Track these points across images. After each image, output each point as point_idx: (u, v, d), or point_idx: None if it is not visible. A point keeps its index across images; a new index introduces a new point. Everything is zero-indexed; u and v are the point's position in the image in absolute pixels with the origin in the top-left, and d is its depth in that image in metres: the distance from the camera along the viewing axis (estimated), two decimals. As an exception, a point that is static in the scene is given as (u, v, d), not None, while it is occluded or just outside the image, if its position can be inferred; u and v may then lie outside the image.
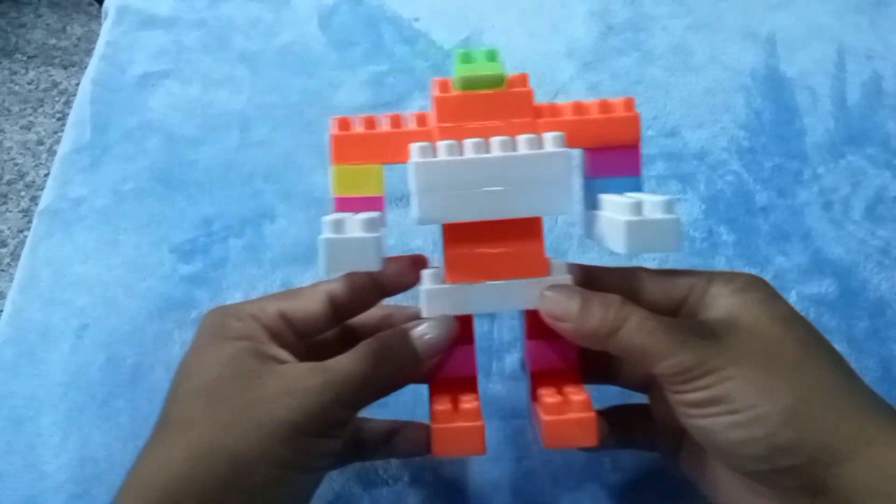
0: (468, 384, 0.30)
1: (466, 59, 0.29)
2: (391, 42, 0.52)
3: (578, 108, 0.29)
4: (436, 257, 0.31)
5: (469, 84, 0.28)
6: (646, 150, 0.47)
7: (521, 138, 0.28)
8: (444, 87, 0.29)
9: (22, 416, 0.38)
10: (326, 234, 0.27)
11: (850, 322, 0.40)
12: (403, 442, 0.32)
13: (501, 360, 0.39)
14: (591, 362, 0.31)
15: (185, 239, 0.44)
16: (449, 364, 0.30)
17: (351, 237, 0.26)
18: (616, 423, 0.31)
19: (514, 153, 0.27)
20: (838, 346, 0.39)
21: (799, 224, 0.43)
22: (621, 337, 0.26)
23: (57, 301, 0.42)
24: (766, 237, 0.43)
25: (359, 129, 0.29)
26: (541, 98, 0.29)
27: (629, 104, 0.29)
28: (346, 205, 0.29)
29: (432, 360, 0.29)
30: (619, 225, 0.26)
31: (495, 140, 0.28)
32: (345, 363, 0.27)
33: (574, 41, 0.52)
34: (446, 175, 0.27)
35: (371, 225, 0.27)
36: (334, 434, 0.27)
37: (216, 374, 0.27)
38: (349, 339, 0.32)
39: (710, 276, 0.28)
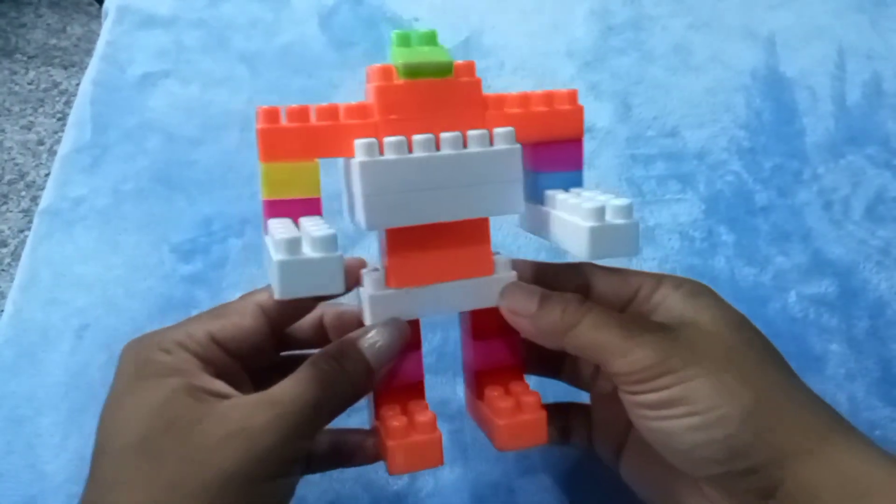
0: (414, 391, 0.29)
1: (405, 41, 0.26)
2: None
3: (524, 99, 0.27)
4: (371, 256, 0.29)
5: (415, 71, 0.26)
6: (646, 149, 0.47)
7: (473, 134, 0.26)
8: (386, 75, 0.26)
9: (22, 416, 0.38)
10: (280, 255, 0.22)
11: (850, 322, 0.40)
12: (348, 453, 0.30)
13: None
14: (534, 355, 0.30)
15: (185, 239, 0.44)
16: (398, 371, 0.28)
17: (310, 258, 0.22)
18: (553, 418, 0.30)
19: (465, 151, 0.26)
20: (838, 347, 0.39)
21: (799, 224, 0.43)
22: (578, 333, 0.25)
23: (57, 301, 0.42)
24: (766, 237, 0.43)
25: (288, 121, 0.25)
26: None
27: (572, 96, 0.28)
28: (278, 209, 0.25)
29: (384, 368, 0.27)
30: (582, 231, 0.25)
31: (446, 136, 0.25)
32: (293, 390, 0.24)
33: (574, 41, 0.52)
34: (395, 176, 0.25)
35: (329, 242, 0.23)
36: (293, 472, 0.25)
37: (148, 425, 0.23)
38: (282, 346, 0.30)
39: (660, 278, 0.28)
